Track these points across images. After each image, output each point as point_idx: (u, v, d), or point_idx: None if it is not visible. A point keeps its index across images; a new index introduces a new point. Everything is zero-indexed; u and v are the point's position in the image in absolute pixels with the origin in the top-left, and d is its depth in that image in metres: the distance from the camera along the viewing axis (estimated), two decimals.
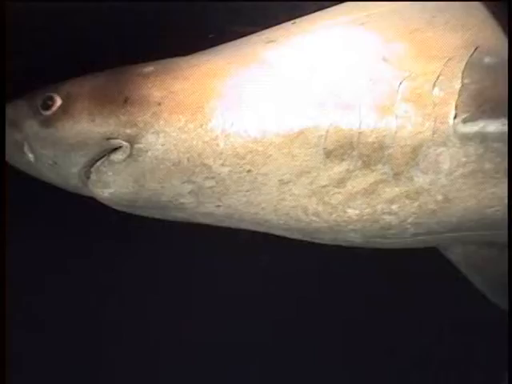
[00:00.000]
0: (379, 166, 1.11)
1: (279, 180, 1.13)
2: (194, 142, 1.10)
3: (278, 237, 1.44)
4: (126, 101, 1.14)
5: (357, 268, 2.19)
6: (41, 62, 1.51)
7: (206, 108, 1.10)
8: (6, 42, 1.03)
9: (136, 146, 1.14)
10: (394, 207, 1.16)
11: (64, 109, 1.20)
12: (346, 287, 2.25)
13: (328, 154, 1.09)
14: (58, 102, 1.21)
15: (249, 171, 1.12)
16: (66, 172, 1.26)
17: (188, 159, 1.12)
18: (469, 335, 2.28)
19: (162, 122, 1.11)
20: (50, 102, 1.22)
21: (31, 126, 1.25)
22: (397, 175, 1.11)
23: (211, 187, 1.17)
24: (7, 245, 1.35)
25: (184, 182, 1.17)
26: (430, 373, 2.38)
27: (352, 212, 1.17)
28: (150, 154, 1.14)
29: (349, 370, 2.25)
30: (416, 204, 1.14)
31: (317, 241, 1.37)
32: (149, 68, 1.22)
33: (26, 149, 1.29)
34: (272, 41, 1.22)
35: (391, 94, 1.07)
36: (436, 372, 2.37)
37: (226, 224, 1.38)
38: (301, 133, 1.09)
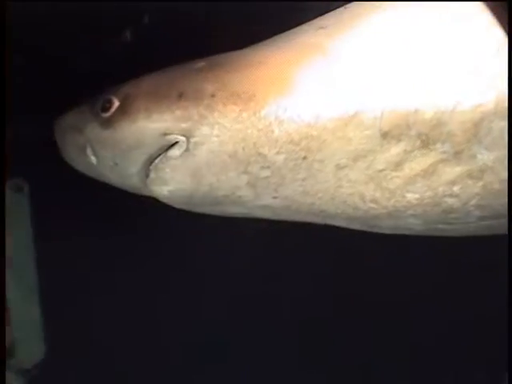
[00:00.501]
0: (438, 145, 1.05)
1: (335, 165, 1.11)
2: (249, 131, 1.10)
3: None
4: (180, 96, 1.15)
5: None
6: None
7: (259, 96, 1.10)
8: (6, 42, 1.07)
9: (192, 139, 1.15)
10: (456, 188, 1.09)
11: (122, 109, 1.23)
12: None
13: (384, 136, 1.05)
14: (116, 103, 1.24)
15: (304, 158, 1.10)
16: (126, 172, 1.29)
17: (243, 149, 1.12)
18: (468, 335, 2.30)
19: (216, 114, 1.11)
20: (108, 105, 1.25)
21: (92, 129, 1.29)
22: (458, 154, 1.05)
23: (267, 177, 1.16)
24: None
25: (240, 174, 1.16)
26: (429, 373, 2.40)
27: (411, 196, 1.12)
28: (205, 146, 1.14)
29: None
30: (480, 184, 1.07)
31: (375, 230, 1.33)
32: (201, 63, 1.24)
33: (88, 152, 1.33)
34: (323, 27, 1.21)
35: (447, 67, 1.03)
36: (435, 372, 2.38)
37: (283, 217, 1.36)
38: (355, 115, 1.05)
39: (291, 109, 1.08)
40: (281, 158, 1.11)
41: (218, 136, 1.12)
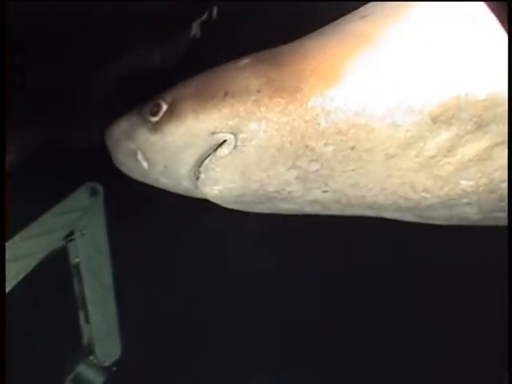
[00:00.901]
0: (492, 127, 0.99)
1: (385, 154, 1.08)
2: (296, 124, 1.10)
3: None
4: (226, 94, 1.16)
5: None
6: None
7: (305, 87, 1.09)
8: (7, 42, 1.11)
9: (240, 136, 1.16)
10: None
11: (169, 112, 1.25)
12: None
13: (434, 120, 1.01)
14: (164, 106, 1.28)
15: (353, 148, 1.08)
16: (178, 174, 1.32)
17: (291, 142, 1.12)
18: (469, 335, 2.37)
19: (262, 108, 1.12)
20: (156, 109, 1.29)
21: (142, 134, 1.33)
22: None
23: (316, 171, 1.15)
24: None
25: (289, 168, 1.16)
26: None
27: (465, 183, 1.08)
28: (254, 142, 1.15)
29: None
30: None
31: (430, 221, 1.28)
32: (245, 60, 1.25)
33: (139, 157, 1.37)
34: (366, 16, 1.21)
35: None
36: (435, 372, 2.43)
37: (333, 212, 1.34)
38: (403, 101, 1.03)
39: (338, 99, 1.06)
40: (329, 149, 1.10)
41: (265, 131, 1.13)
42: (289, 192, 1.23)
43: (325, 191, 1.21)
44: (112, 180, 2.01)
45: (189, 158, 1.25)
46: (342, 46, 1.13)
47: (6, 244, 2.01)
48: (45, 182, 2.29)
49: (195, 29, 1.40)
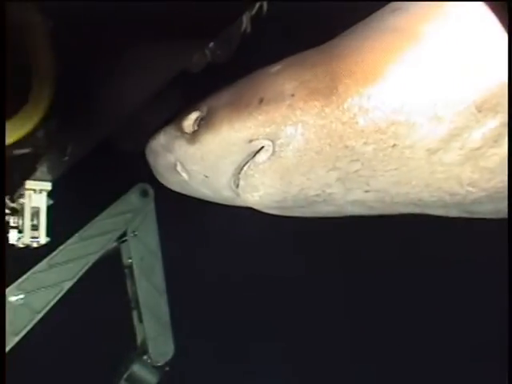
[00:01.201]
0: None
1: (427, 150, 1.04)
2: (333, 125, 1.07)
3: None
4: (261, 101, 1.15)
5: None
6: None
7: (340, 88, 1.06)
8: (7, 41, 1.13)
9: (277, 142, 1.14)
10: None
11: (206, 123, 1.25)
12: None
13: (479, 108, 0.96)
14: (200, 117, 1.28)
15: (394, 146, 1.05)
16: (218, 184, 1.31)
17: (330, 145, 1.09)
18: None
19: (298, 112, 1.10)
20: (192, 120, 1.30)
21: (180, 146, 1.32)
22: None
23: (357, 171, 1.12)
24: None
25: (329, 170, 1.14)
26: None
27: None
28: (291, 146, 1.13)
29: None
30: None
31: (476, 215, 1.21)
32: (277, 67, 1.23)
33: (179, 168, 1.37)
34: (396, 9, 1.13)
35: None
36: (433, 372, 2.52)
37: (376, 211, 1.31)
38: (445, 92, 0.98)
39: (375, 97, 1.03)
40: (369, 148, 1.07)
41: (302, 134, 1.10)
42: (329, 194, 1.21)
43: (367, 191, 1.18)
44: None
45: (228, 167, 1.25)
46: (379, 43, 1.08)
47: (61, 247, 2.05)
48: (96, 185, 2.32)
49: (246, 23, 1.37)
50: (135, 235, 2.27)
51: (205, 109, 1.28)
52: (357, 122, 1.05)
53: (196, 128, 1.27)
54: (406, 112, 1.01)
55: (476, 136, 1.00)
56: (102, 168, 2.17)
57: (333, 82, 1.07)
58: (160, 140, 1.41)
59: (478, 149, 1.01)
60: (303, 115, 1.09)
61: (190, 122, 1.30)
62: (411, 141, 1.04)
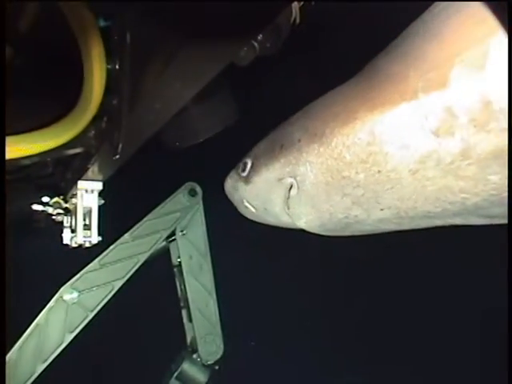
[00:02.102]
0: (493, 125, 1.00)
1: (409, 171, 1.17)
2: (329, 162, 1.31)
3: None
4: (281, 147, 1.46)
5: None
6: None
7: (327, 131, 1.31)
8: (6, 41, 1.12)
9: (298, 178, 1.41)
10: None
11: (253, 167, 1.57)
12: None
13: (435, 131, 1.09)
14: (249, 163, 1.59)
15: (379, 171, 1.22)
16: (275, 213, 1.56)
17: (331, 177, 1.32)
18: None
19: (304, 154, 1.37)
20: (244, 166, 1.61)
21: (241, 187, 1.63)
22: None
23: (363, 194, 1.29)
24: None
25: (343, 197, 1.33)
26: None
27: (494, 178, 1.09)
28: (307, 181, 1.38)
29: None
30: None
31: (496, 221, 1.25)
32: (296, 115, 1.50)
33: (246, 204, 1.66)
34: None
35: None
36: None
37: (406, 227, 1.41)
38: (403, 121, 1.13)
39: (351, 135, 1.24)
40: (362, 176, 1.26)
41: (311, 171, 1.36)
42: (355, 216, 1.38)
43: (382, 209, 1.32)
44: (210, 180, 2.01)
45: (277, 200, 1.52)
46: (343, 108, 1.29)
47: (112, 247, 2.07)
48: (145, 184, 2.33)
49: (295, 13, 1.33)
50: (184, 234, 2.28)
51: (252, 156, 1.60)
52: (344, 157, 1.27)
53: (248, 172, 1.59)
54: (378, 143, 1.19)
55: (444, 154, 1.11)
56: (151, 168, 2.19)
57: (323, 127, 1.33)
58: (229, 182, 1.73)
59: (451, 163, 1.11)
60: (308, 156, 1.36)
61: (243, 168, 1.62)
62: (391, 166, 1.19)
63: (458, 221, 1.32)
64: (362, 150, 1.23)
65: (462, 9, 1.11)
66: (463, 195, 1.16)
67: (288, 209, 1.49)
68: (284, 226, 1.66)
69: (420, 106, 1.10)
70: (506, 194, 1.11)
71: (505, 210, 1.17)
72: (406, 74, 1.14)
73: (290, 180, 1.44)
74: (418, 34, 1.20)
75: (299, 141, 1.39)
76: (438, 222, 1.35)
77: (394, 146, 1.17)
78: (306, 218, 1.47)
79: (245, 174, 1.59)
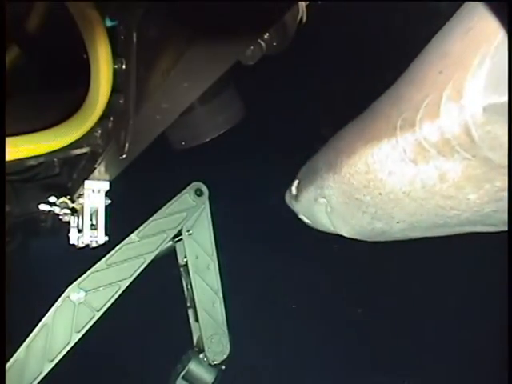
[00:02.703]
0: (456, 156, 1.17)
1: (403, 193, 1.34)
2: (342, 186, 1.52)
3: None
4: (313, 172, 1.68)
5: None
6: None
7: (338, 162, 1.52)
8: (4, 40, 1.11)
9: (327, 199, 1.62)
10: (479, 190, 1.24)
11: (299, 187, 1.81)
12: None
13: (413, 160, 1.26)
14: (296, 183, 1.82)
15: (380, 194, 1.39)
16: (322, 224, 1.78)
17: (348, 198, 1.52)
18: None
19: (325, 182, 1.59)
20: (294, 185, 1.83)
21: (293, 202, 1.86)
22: (474, 157, 1.15)
23: (376, 211, 1.47)
24: None
25: (363, 214, 1.52)
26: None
27: (472, 197, 1.24)
28: (333, 202, 1.60)
29: None
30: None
31: (501, 228, 1.38)
32: (324, 146, 1.70)
33: (301, 216, 1.88)
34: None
35: None
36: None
37: (431, 233, 1.53)
38: (387, 153, 1.31)
39: (353, 166, 1.44)
40: (369, 198, 1.43)
41: (333, 194, 1.57)
42: (380, 228, 1.54)
43: (398, 222, 1.47)
44: (216, 180, 2.01)
45: (320, 215, 1.73)
46: (350, 147, 1.47)
47: (118, 246, 2.08)
48: (151, 184, 2.33)
49: (301, 12, 1.32)
50: (190, 234, 2.28)
51: (299, 176, 1.82)
52: (352, 183, 1.46)
53: (296, 191, 1.82)
54: (373, 172, 1.38)
55: (426, 179, 1.26)
56: (157, 167, 2.19)
57: (335, 158, 1.53)
58: (286, 197, 1.94)
59: (434, 186, 1.26)
60: (328, 182, 1.57)
61: (293, 187, 1.84)
62: (388, 189, 1.36)
63: (467, 229, 1.46)
64: (362, 177, 1.44)
65: (427, 59, 1.31)
66: (454, 212, 1.32)
67: (330, 222, 1.72)
68: (329, 231, 1.85)
69: (398, 141, 1.28)
70: (487, 210, 1.27)
71: (502, 217, 1.31)
72: (389, 114, 1.34)
73: (322, 200, 1.67)
74: (403, 78, 1.39)
75: (321, 169, 1.63)
76: (452, 231, 1.49)
77: (385, 174, 1.36)
78: (344, 229, 1.70)
79: (294, 192, 1.84)
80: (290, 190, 1.88)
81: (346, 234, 1.73)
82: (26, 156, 1.16)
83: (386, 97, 1.45)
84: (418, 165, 1.27)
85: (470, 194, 1.24)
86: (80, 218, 1.61)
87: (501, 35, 1.04)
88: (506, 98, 1.02)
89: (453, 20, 1.25)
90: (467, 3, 1.23)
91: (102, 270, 2.05)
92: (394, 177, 1.35)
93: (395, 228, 1.52)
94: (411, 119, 1.25)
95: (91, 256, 1.97)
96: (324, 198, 1.65)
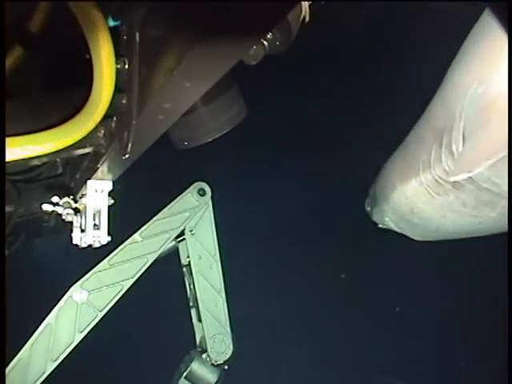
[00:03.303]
0: (468, 187, 1.46)
1: (440, 216, 1.67)
2: (396, 212, 1.85)
3: None
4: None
5: None
6: None
7: (389, 192, 1.82)
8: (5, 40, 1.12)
9: (386, 218, 1.97)
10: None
11: (369, 206, 2.10)
12: None
13: (437, 193, 1.56)
14: (368, 201, 2.12)
15: (423, 217, 1.72)
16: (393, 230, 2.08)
17: (403, 219, 1.85)
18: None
19: (379, 205, 1.96)
20: (367, 203, 2.12)
21: (371, 212, 2.10)
22: (479, 189, 1.44)
23: (424, 228, 1.81)
24: None
25: (418, 228, 1.85)
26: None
27: (492, 214, 1.52)
28: (394, 221, 1.93)
29: None
30: None
31: None
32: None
33: (380, 225, 2.14)
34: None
35: None
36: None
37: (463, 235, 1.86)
38: (417, 188, 1.61)
39: (398, 197, 1.77)
40: (415, 220, 1.80)
41: (391, 216, 1.88)
42: (436, 236, 1.94)
43: (445, 232, 1.81)
44: (219, 180, 2.01)
45: (390, 225, 2.03)
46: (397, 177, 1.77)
47: (121, 246, 2.08)
48: (154, 184, 2.33)
49: (304, 11, 1.32)
50: (193, 234, 2.27)
51: (369, 196, 2.09)
52: (401, 210, 1.78)
53: (369, 208, 2.09)
54: (411, 202, 1.70)
55: (452, 205, 1.56)
56: (160, 167, 2.18)
57: (384, 191, 1.82)
58: (366, 206, 2.18)
59: (459, 209, 1.56)
60: (385, 207, 1.86)
61: (366, 204, 2.10)
62: (428, 213, 1.69)
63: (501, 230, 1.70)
64: (406, 206, 1.73)
65: (430, 117, 1.56)
66: (484, 226, 1.61)
67: (401, 231, 2.01)
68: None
69: (422, 179, 1.57)
70: (497, 222, 1.56)
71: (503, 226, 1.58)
72: (413, 156, 1.61)
73: (387, 218, 1.96)
74: (421, 122, 1.62)
75: (379, 198, 1.90)
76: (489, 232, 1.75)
77: (421, 203, 1.66)
78: (413, 236, 2.03)
79: (368, 209, 2.11)
80: (368, 201, 2.15)
81: (416, 239, 2.04)
82: (31, 156, 1.16)
83: (409, 141, 1.72)
84: (442, 196, 1.56)
85: (491, 213, 1.52)
86: (83, 218, 1.61)
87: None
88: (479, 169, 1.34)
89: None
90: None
91: (105, 270, 2.05)
92: (428, 205, 1.65)
93: (446, 236, 1.86)
94: (427, 162, 1.53)
95: (94, 256, 1.97)
96: (388, 217, 1.97)
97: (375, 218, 2.08)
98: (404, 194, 1.69)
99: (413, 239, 2.09)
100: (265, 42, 1.28)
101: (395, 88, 2.69)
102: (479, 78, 1.32)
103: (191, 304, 2.41)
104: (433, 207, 1.63)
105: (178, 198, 2.22)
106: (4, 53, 1.12)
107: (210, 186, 2.25)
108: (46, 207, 1.63)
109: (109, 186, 1.59)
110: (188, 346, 2.45)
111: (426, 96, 1.55)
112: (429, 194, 1.58)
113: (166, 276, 2.43)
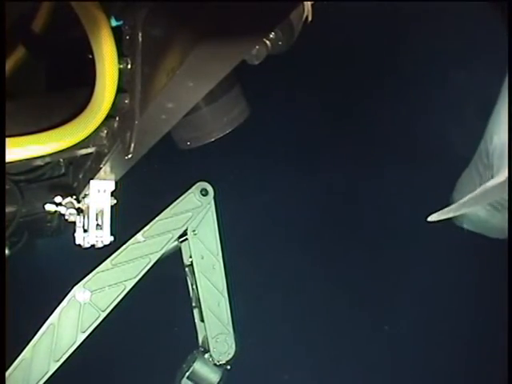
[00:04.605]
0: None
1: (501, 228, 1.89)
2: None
3: None
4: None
5: None
6: None
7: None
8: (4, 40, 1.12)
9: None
10: None
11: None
12: None
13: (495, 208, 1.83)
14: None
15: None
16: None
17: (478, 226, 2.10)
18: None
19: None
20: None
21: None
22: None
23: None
24: None
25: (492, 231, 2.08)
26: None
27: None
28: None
29: None
30: None
31: None
32: None
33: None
34: None
35: None
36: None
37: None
38: None
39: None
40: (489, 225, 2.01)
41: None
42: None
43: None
44: (222, 180, 2.01)
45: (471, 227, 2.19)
46: None
47: (123, 246, 2.08)
48: (157, 184, 2.33)
49: (307, 11, 1.32)
50: (195, 234, 2.28)
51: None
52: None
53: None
54: None
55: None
56: (163, 167, 2.18)
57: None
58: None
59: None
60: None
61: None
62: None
63: None
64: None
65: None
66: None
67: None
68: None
69: None
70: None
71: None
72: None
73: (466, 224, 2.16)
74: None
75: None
76: None
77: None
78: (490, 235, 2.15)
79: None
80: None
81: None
82: (33, 156, 1.16)
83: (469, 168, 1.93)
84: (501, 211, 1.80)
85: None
86: (86, 218, 1.61)
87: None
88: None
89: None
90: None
91: (108, 270, 2.05)
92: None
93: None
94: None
95: (97, 256, 1.97)
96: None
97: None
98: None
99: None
100: (267, 42, 1.28)
101: (397, 87, 2.69)
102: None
103: (194, 304, 2.41)
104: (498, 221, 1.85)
105: (181, 198, 2.22)
106: (4, 53, 1.12)
107: (213, 186, 2.25)
108: (49, 207, 1.63)
109: (111, 186, 1.59)
110: (190, 345, 2.45)
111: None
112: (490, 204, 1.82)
113: (169, 276, 2.43)
